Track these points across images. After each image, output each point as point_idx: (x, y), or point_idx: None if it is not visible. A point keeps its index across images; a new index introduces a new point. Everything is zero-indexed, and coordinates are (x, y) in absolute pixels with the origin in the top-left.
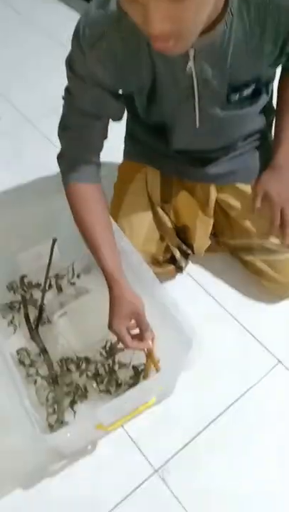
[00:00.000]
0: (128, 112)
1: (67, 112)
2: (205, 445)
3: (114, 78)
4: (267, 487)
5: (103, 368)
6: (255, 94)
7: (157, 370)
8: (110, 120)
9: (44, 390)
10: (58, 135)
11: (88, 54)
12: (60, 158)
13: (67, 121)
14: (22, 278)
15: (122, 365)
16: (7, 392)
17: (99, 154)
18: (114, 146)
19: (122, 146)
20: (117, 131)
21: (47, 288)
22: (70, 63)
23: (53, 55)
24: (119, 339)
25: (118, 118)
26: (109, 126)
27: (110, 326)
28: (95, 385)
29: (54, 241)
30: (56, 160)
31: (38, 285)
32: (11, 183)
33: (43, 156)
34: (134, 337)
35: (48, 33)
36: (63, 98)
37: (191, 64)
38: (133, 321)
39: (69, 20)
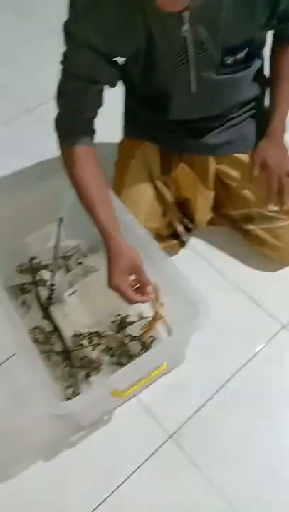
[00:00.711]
0: (125, 86)
1: (64, 77)
2: (217, 409)
3: (108, 43)
4: (280, 447)
5: (114, 342)
6: (249, 59)
7: (168, 327)
8: (106, 90)
9: (59, 365)
10: (56, 102)
11: (83, 19)
12: (56, 124)
13: (63, 87)
14: (31, 260)
15: (132, 339)
16: (26, 369)
17: (93, 121)
18: (113, 127)
19: (121, 126)
20: (115, 112)
21: (56, 268)
22: (66, 28)
23: (49, 42)
24: (121, 294)
25: (112, 84)
26: (107, 108)
27: (110, 283)
28: (107, 358)
29: (60, 220)
30: (54, 127)
31: (46, 266)
32: (13, 169)
33: (43, 142)
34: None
35: (44, 20)
36: (60, 63)
37: (186, 27)
38: (132, 277)
39: (65, 6)
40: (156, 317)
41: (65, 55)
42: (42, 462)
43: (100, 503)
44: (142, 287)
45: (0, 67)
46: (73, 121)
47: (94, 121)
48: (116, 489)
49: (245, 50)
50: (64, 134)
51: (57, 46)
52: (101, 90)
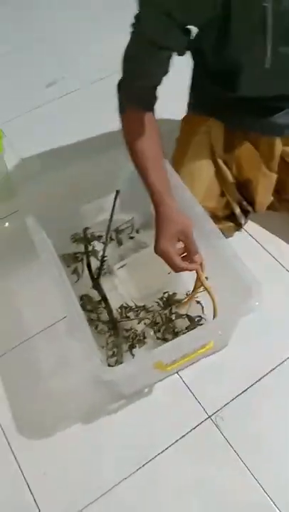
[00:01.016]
0: (194, 59)
1: (133, 40)
2: (258, 396)
3: (183, 9)
4: None
5: (160, 317)
6: None
7: (211, 295)
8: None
9: (104, 334)
10: (122, 65)
11: None
12: (119, 88)
13: (131, 51)
14: (85, 230)
15: (178, 316)
16: (73, 333)
17: (156, 88)
18: (177, 104)
19: (185, 103)
20: (180, 88)
21: (108, 241)
22: None
23: (106, 18)
24: (167, 259)
25: (181, 52)
26: (172, 83)
27: (157, 247)
28: (152, 332)
29: (117, 193)
30: (116, 91)
31: (99, 237)
32: (74, 141)
33: (102, 116)
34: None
35: None
36: (131, 25)
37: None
38: (181, 244)
39: None
40: (198, 286)
41: (137, 18)
42: (81, 425)
43: (133, 472)
44: (189, 255)
45: (62, 42)
46: (136, 86)
47: (157, 89)
48: (150, 461)
49: None
50: (125, 98)
51: (118, 23)
52: (169, 57)
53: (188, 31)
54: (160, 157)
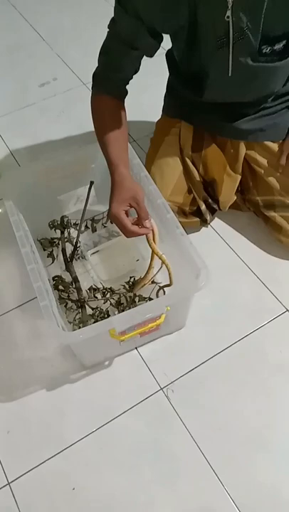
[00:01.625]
0: (168, 65)
1: (108, 38)
2: (208, 373)
3: (153, 17)
4: (263, 412)
5: (125, 299)
6: (286, 51)
7: (164, 262)
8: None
9: (73, 312)
10: (98, 58)
11: None
12: (93, 77)
13: (106, 47)
14: (62, 218)
15: (141, 298)
16: (44, 307)
17: (127, 81)
18: (156, 108)
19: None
20: (160, 93)
21: (83, 228)
22: None
23: (104, 23)
24: (119, 223)
25: (150, 54)
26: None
27: (110, 211)
28: (116, 312)
29: (91, 183)
30: (92, 77)
31: (75, 225)
32: (58, 133)
33: (85, 116)
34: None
35: (108, 2)
36: (108, 25)
37: (229, 13)
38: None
39: None
40: (153, 257)
41: (114, 19)
42: (45, 391)
43: (89, 433)
44: (140, 221)
45: (63, 40)
46: (108, 77)
47: (127, 83)
48: (105, 424)
49: (284, 42)
50: (97, 85)
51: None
52: (139, 57)
53: (158, 36)
54: (122, 135)
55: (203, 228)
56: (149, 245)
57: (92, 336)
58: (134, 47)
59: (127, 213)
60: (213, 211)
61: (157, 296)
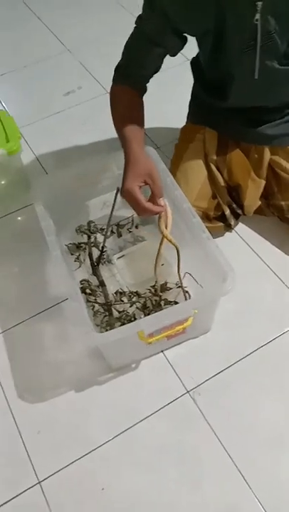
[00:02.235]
0: (193, 73)
1: (134, 34)
2: (234, 377)
3: (180, 15)
4: (283, 418)
5: (150, 302)
6: None
7: (175, 246)
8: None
9: (100, 314)
10: (122, 51)
11: None
12: (115, 70)
13: (131, 42)
14: (89, 223)
15: (167, 302)
16: (73, 311)
17: (147, 79)
18: (179, 115)
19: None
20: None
21: (109, 233)
22: None
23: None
24: (132, 199)
25: (173, 53)
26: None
27: (123, 187)
28: (142, 315)
29: (118, 190)
30: (114, 69)
31: (101, 230)
32: (83, 141)
33: (110, 124)
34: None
35: (129, 10)
36: (136, 21)
37: (258, 16)
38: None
39: None
40: (164, 240)
41: (140, 16)
42: (74, 393)
43: (117, 435)
44: (154, 198)
45: (87, 50)
46: (130, 72)
47: (148, 80)
48: (132, 426)
49: None
50: (119, 77)
51: None
52: (162, 55)
53: (183, 37)
54: (138, 120)
55: (227, 233)
56: (159, 227)
57: (121, 337)
58: (158, 44)
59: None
60: (237, 216)
61: (185, 299)
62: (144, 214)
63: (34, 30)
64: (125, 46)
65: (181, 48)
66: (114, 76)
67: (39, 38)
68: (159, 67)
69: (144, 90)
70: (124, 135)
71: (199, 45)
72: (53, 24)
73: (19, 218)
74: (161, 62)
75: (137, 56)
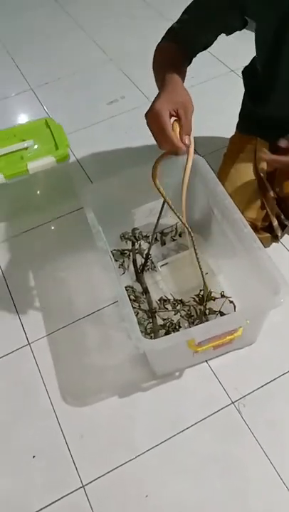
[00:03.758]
0: (244, 83)
1: (193, 3)
2: (280, 389)
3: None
4: None
5: (195, 311)
6: None
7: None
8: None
9: (144, 321)
10: (180, 16)
11: None
12: (167, 31)
13: (188, 11)
14: (133, 230)
15: (212, 311)
16: (121, 315)
17: (196, 48)
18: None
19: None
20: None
21: (153, 241)
22: None
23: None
24: (157, 123)
25: (230, 32)
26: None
27: (151, 108)
28: (186, 324)
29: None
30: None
31: (146, 237)
32: (126, 150)
33: None
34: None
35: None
36: None
37: None
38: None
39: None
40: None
41: None
42: (117, 398)
43: (160, 443)
44: (181, 132)
45: (129, 60)
46: (181, 33)
47: (196, 48)
48: (176, 435)
49: None
50: (167, 35)
51: None
52: (219, 30)
53: (244, 19)
54: (182, 69)
55: (273, 244)
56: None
57: (172, 344)
58: (218, 18)
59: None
60: (284, 227)
61: (235, 310)
62: (165, 144)
63: (77, 41)
64: (184, 12)
65: (240, 29)
66: (163, 36)
67: (82, 48)
68: (211, 42)
69: (190, 56)
70: (162, 78)
71: (257, 37)
72: (96, 35)
73: (64, 224)
74: (214, 39)
75: (193, 23)
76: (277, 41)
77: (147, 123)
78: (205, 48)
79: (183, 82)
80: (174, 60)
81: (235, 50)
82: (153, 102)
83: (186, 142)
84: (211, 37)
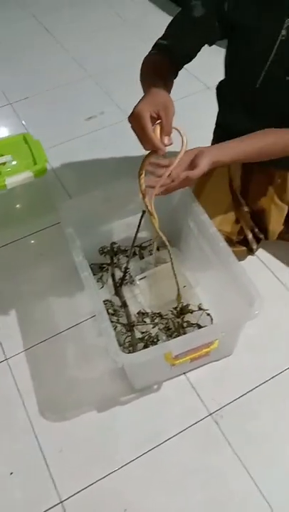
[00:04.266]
0: (218, 99)
1: (179, 15)
2: (257, 400)
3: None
4: None
5: (173, 324)
6: None
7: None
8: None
9: (123, 335)
10: (165, 30)
11: None
12: (153, 45)
13: (172, 24)
14: (112, 244)
15: (189, 324)
16: (100, 329)
17: (180, 62)
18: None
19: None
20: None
21: (132, 255)
22: None
23: (144, 50)
24: (138, 124)
25: (211, 42)
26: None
27: (133, 111)
28: (164, 337)
29: (143, 213)
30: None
31: (124, 251)
32: (105, 165)
33: (136, 146)
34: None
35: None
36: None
37: (284, 32)
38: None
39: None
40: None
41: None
42: (96, 412)
43: (140, 455)
44: (161, 133)
45: (108, 77)
46: (167, 45)
47: (182, 59)
48: (155, 447)
49: None
50: (153, 48)
51: None
52: (200, 43)
53: (223, 26)
54: (167, 77)
55: (249, 257)
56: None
57: (150, 358)
58: (202, 26)
59: (151, 120)
60: (258, 240)
61: (212, 323)
62: (146, 145)
63: (56, 56)
64: (168, 25)
65: (221, 39)
66: (150, 50)
67: (61, 63)
68: (196, 53)
69: (176, 68)
70: (149, 83)
71: (230, 42)
72: (75, 51)
73: (42, 239)
74: (199, 49)
75: (177, 36)
76: (243, 48)
77: (131, 126)
78: (191, 59)
79: (169, 92)
80: (159, 71)
81: (210, 66)
82: (135, 106)
83: (166, 142)
84: (196, 47)
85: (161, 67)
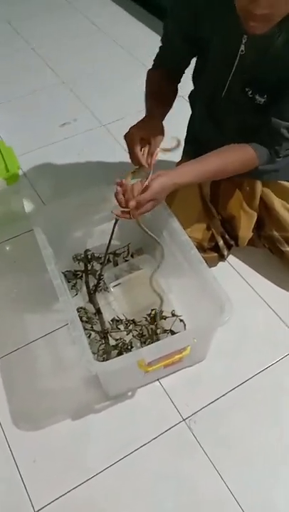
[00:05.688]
0: (191, 106)
1: (163, 32)
2: (229, 405)
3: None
4: (281, 447)
5: (147, 330)
6: (269, 101)
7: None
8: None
9: (97, 342)
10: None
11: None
12: (154, 58)
13: (162, 38)
14: (86, 251)
15: (162, 331)
16: (72, 337)
17: (178, 72)
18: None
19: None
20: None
21: (106, 262)
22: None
23: (128, 67)
24: (129, 144)
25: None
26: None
27: (129, 130)
28: (139, 343)
29: (116, 220)
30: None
31: (98, 258)
32: (79, 172)
33: (110, 152)
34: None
35: (125, 48)
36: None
37: (243, 47)
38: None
39: (146, 37)
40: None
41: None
42: (70, 421)
43: (114, 463)
44: (147, 155)
45: (82, 84)
46: (161, 60)
47: (180, 69)
48: (129, 454)
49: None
50: (154, 65)
51: (135, 72)
52: (190, 55)
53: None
54: (165, 99)
55: (220, 263)
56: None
57: (123, 366)
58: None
59: (141, 143)
60: (229, 247)
61: (185, 328)
62: (133, 161)
63: (30, 62)
64: (160, 39)
65: (188, 62)
66: (153, 63)
67: (34, 70)
68: (189, 62)
69: (176, 78)
70: (147, 108)
71: (199, 56)
72: (48, 57)
73: (15, 246)
74: (191, 58)
75: (168, 49)
76: (207, 60)
77: (125, 139)
78: (186, 67)
79: (171, 104)
80: (158, 88)
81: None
82: (132, 126)
83: (149, 162)
84: (187, 57)
85: (160, 84)
